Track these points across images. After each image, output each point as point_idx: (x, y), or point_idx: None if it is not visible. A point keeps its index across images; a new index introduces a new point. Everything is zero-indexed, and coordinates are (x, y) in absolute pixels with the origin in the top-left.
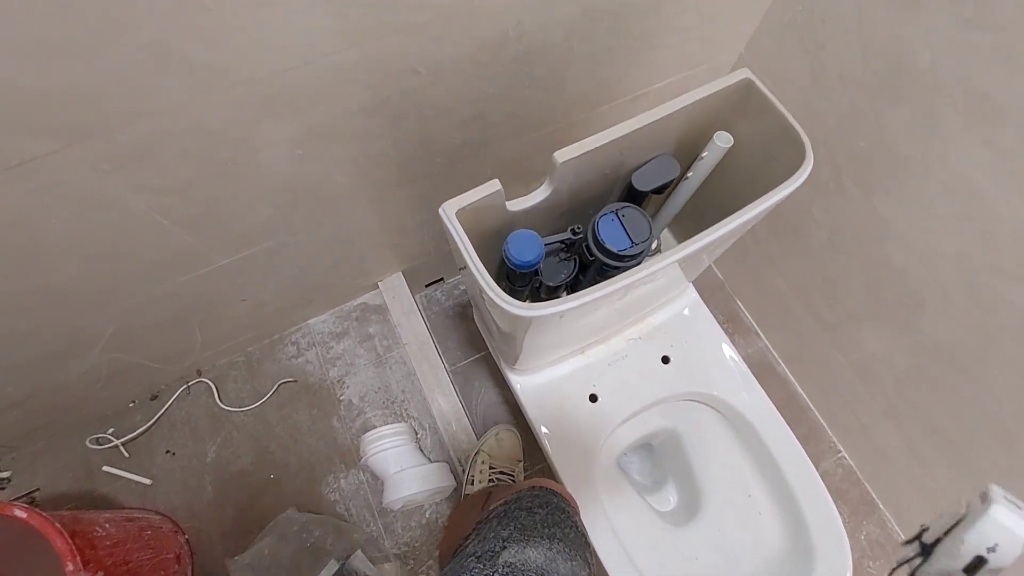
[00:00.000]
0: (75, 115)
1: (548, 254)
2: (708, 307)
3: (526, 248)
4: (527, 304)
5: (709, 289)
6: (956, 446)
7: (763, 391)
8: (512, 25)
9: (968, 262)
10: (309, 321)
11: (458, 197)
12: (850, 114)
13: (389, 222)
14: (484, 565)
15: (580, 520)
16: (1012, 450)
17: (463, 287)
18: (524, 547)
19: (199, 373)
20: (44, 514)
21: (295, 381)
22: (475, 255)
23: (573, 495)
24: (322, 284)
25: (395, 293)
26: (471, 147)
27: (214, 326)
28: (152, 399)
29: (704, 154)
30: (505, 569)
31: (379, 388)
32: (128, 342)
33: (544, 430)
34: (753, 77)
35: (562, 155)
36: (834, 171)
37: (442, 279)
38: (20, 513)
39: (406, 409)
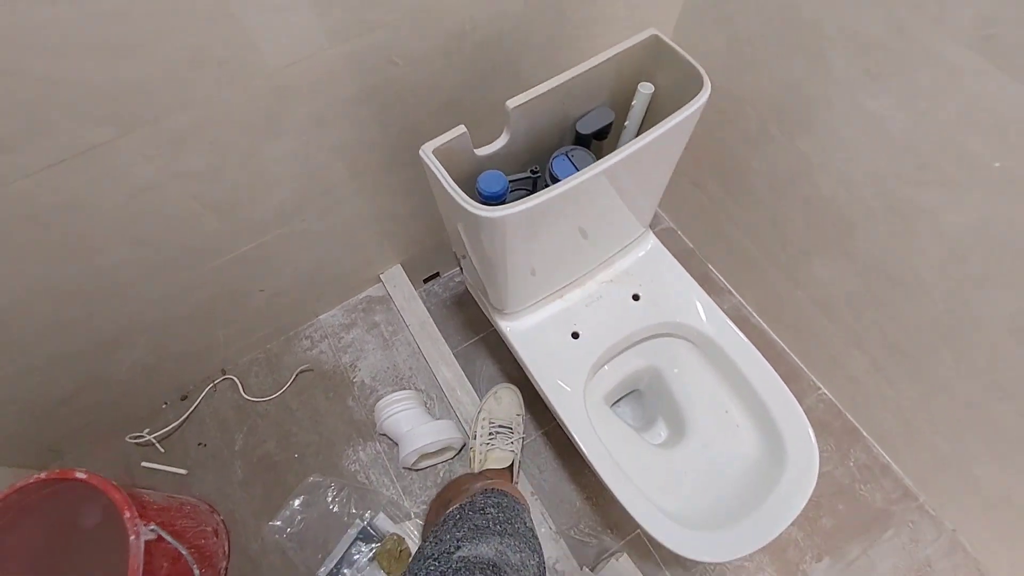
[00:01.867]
0: (131, 106)
1: (513, 190)
2: (678, 261)
3: (493, 182)
4: (498, 207)
5: (682, 256)
6: (913, 358)
7: (722, 313)
8: (467, 19)
9: (878, 178)
10: (320, 316)
11: (433, 140)
12: (764, 71)
13: (384, 209)
14: (440, 563)
15: (529, 517)
16: (959, 353)
17: (458, 279)
18: (477, 544)
19: (223, 372)
20: (101, 476)
21: (311, 369)
22: (452, 182)
23: (569, 427)
24: (330, 276)
25: (396, 282)
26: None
27: (237, 319)
28: (182, 399)
29: (633, 102)
30: (459, 563)
31: (388, 368)
32: (165, 333)
33: (534, 368)
34: (659, 32)
35: (513, 101)
36: (761, 123)
37: (438, 274)
38: (80, 475)
39: (414, 383)
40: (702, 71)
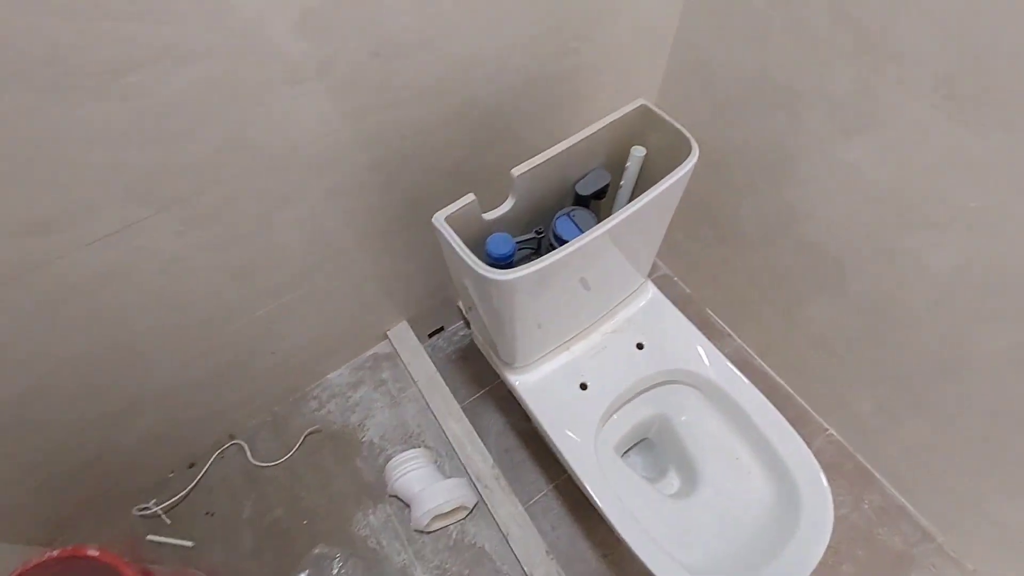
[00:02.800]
0: (169, 187)
1: (519, 250)
2: (679, 309)
3: (501, 244)
4: (509, 270)
5: (680, 302)
6: (916, 394)
7: (725, 358)
8: (469, 96)
9: (861, 223)
10: (328, 376)
11: (444, 208)
12: (746, 129)
13: (391, 269)
14: None
15: None
16: (962, 387)
17: (462, 333)
18: None
19: (231, 437)
20: (112, 552)
21: (319, 431)
22: (464, 247)
23: (583, 479)
24: (338, 336)
25: (402, 338)
26: (451, 195)
27: (246, 383)
28: (190, 467)
29: (628, 164)
30: None
31: (396, 426)
32: (176, 400)
33: (545, 421)
34: (647, 102)
35: (518, 170)
36: (747, 176)
37: (442, 328)
38: (93, 552)
39: (423, 440)
40: (690, 136)
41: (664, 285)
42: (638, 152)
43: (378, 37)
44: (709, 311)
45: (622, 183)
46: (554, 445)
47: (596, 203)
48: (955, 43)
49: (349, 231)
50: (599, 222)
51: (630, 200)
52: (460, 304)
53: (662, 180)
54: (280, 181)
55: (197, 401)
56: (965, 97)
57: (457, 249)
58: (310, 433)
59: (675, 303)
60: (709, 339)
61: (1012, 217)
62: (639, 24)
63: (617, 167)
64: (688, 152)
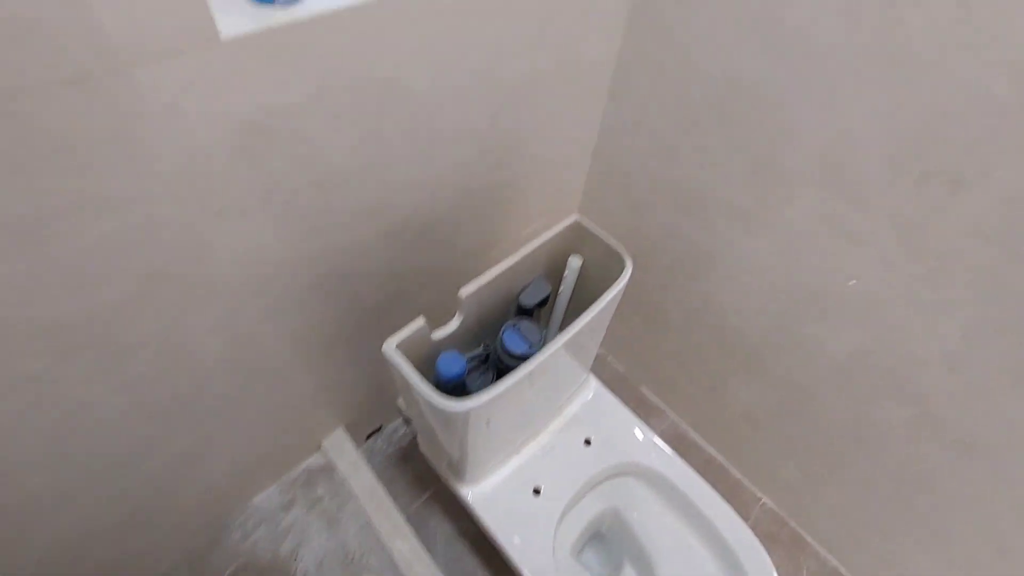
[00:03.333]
0: (82, 333)
1: (470, 369)
2: (618, 397)
3: (452, 364)
4: (467, 400)
5: (615, 382)
6: (834, 463)
7: (668, 447)
8: (409, 213)
9: (769, 312)
10: (254, 499)
11: (394, 335)
12: (662, 229)
13: (330, 380)
14: None
15: None
16: (872, 456)
17: (402, 431)
18: None
19: None
20: None
21: (246, 566)
22: (417, 374)
23: None
24: (267, 453)
25: (339, 448)
26: (392, 302)
27: (157, 527)
28: None
29: (565, 273)
30: None
31: (335, 549)
32: (81, 550)
33: (501, 534)
34: (580, 219)
35: (465, 291)
36: (668, 270)
37: (380, 427)
38: None
39: (367, 562)
40: (622, 252)
41: (600, 366)
42: (575, 262)
43: (320, 168)
44: (643, 389)
45: (561, 290)
46: (511, 558)
47: (538, 310)
48: (832, 170)
49: (286, 349)
50: (541, 330)
51: (568, 305)
52: (400, 403)
53: (605, 293)
54: (210, 310)
55: (105, 549)
56: (840, 215)
57: (411, 381)
58: (234, 572)
59: (611, 382)
60: (645, 417)
61: (889, 314)
62: (562, 139)
63: (555, 275)
64: (622, 263)
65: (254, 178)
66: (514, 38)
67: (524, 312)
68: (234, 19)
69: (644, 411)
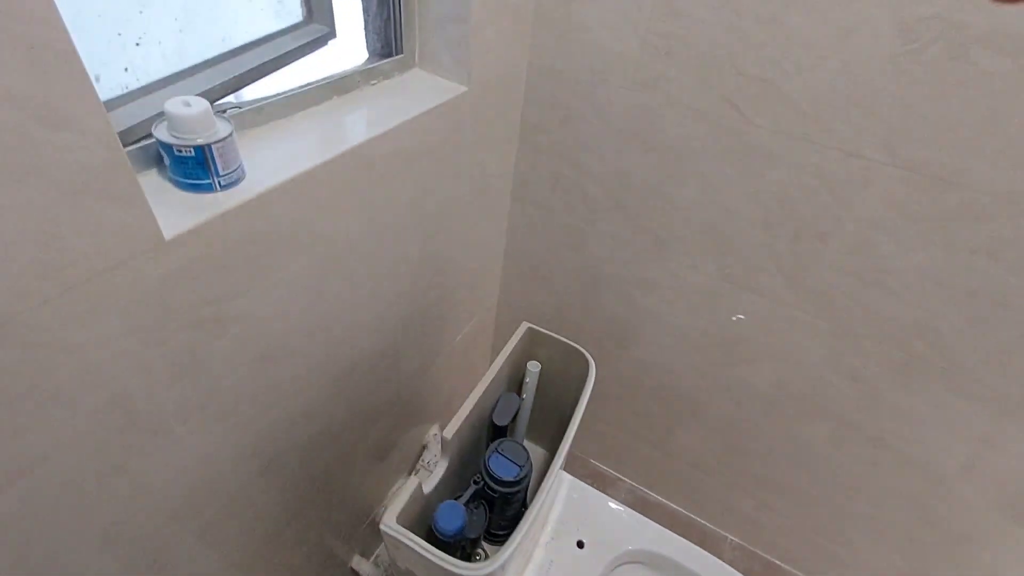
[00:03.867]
0: None
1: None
2: (589, 483)
3: (453, 518)
4: (489, 560)
5: (568, 462)
6: (782, 487)
7: (651, 522)
8: (354, 356)
9: (698, 367)
10: None
11: (390, 509)
12: (585, 309)
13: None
14: None
15: None
16: (812, 472)
17: None
18: None
19: None
20: None
21: None
22: (432, 548)
23: None
24: None
25: None
26: (359, 455)
27: None
28: None
29: (526, 380)
30: None
31: None
32: None
33: None
34: (532, 324)
35: (449, 430)
36: (597, 344)
37: None
38: None
39: None
40: (582, 350)
41: None
42: (534, 368)
43: (263, 343)
44: (595, 462)
45: (523, 397)
46: None
47: (510, 424)
48: (722, 238)
49: (235, 551)
50: (523, 446)
51: (532, 410)
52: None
53: (580, 400)
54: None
55: None
56: (736, 272)
57: (428, 556)
58: None
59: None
60: (603, 488)
61: (790, 344)
62: (479, 247)
63: (516, 383)
64: (580, 357)
65: (193, 384)
66: (435, 173)
67: (498, 431)
68: (174, 215)
69: (601, 483)
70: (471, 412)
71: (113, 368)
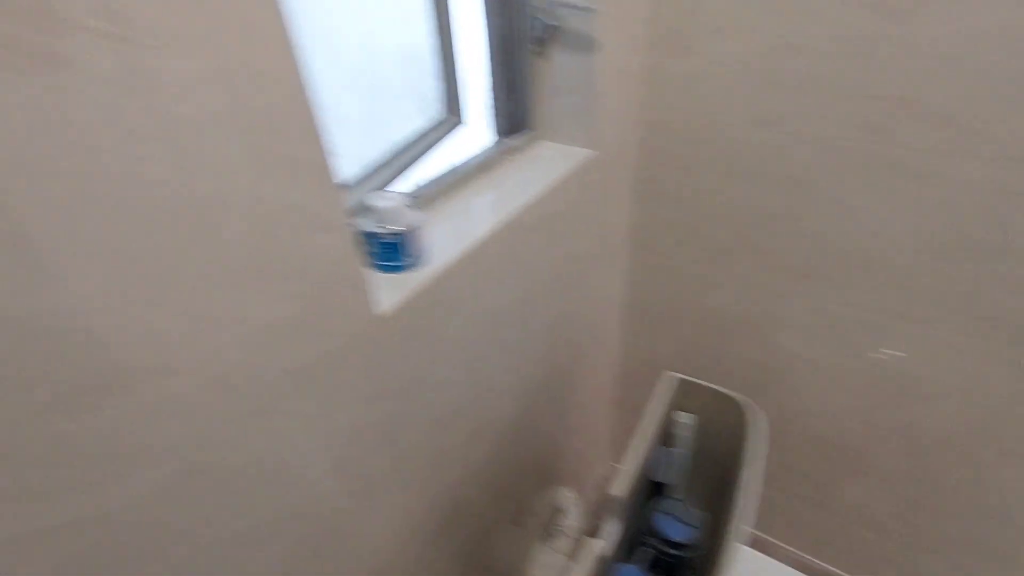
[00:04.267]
0: None
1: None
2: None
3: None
4: None
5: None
6: (975, 544)
7: None
8: (506, 419)
9: (854, 407)
10: None
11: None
12: (715, 358)
13: None
14: None
15: None
16: (1015, 526)
17: None
18: None
19: None
20: None
21: None
22: None
23: None
24: None
25: None
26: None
27: None
28: None
29: (679, 432)
30: None
31: None
32: None
33: None
34: (679, 375)
35: (619, 487)
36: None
37: None
38: None
39: None
40: (737, 396)
41: None
42: (687, 420)
43: (439, 408)
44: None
45: (678, 451)
46: None
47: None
48: (871, 264)
49: None
50: (683, 504)
51: (691, 461)
52: None
53: (745, 458)
54: None
55: None
56: (891, 306)
57: None
58: None
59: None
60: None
61: (981, 385)
62: (601, 303)
63: (664, 436)
64: (733, 409)
65: (391, 449)
66: (570, 233)
67: (657, 488)
68: (381, 294)
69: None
70: (637, 468)
71: (333, 436)
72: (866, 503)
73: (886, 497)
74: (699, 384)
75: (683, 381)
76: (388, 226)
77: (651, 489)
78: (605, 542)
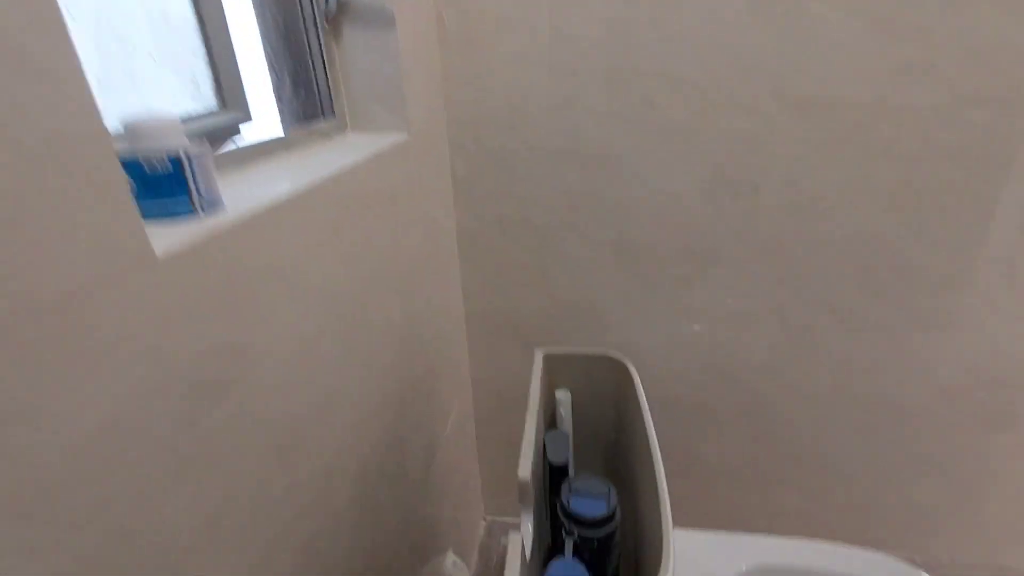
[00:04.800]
0: None
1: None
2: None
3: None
4: None
5: None
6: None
7: (754, 536)
8: (368, 448)
9: (693, 367)
10: None
11: None
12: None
13: None
14: None
15: None
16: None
17: None
18: None
19: None
20: None
21: None
22: None
23: None
24: None
25: None
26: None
27: None
28: None
29: (559, 411)
30: None
31: None
32: None
33: None
34: (547, 349)
35: (523, 470)
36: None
37: None
38: None
39: None
40: (613, 354)
41: None
42: (564, 397)
43: (273, 422)
44: None
45: (562, 428)
46: None
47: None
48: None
49: None
50: (590, 477)
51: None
52: None
53: (638, 399)
54: None
55: None
56: (699, 250)
57: None
58: None
59: None
60: None
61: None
62: (444, 315)
63: (549, 416)
64: (609, 370)
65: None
66: (393, 220)
67: (557, 471)
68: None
69: None
70: (534, 448)
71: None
72: (720, 457)
73: (736, 449)
74: (570, 354)
75: (552, 356)
76: (157, 145)
77: (550, 476)
78: (526, 536)
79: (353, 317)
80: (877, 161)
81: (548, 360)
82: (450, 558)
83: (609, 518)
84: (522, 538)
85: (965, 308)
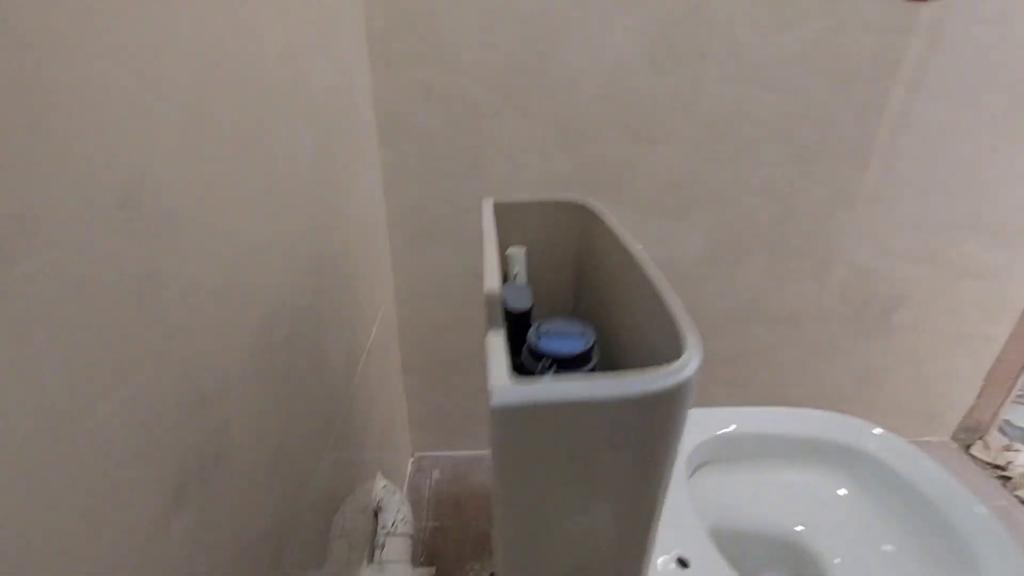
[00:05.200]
0: None
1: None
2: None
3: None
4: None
5: None
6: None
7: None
8: (269, 319)
9: None
10: None
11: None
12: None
13: None
14: None
15: None
16: None
17: None
18: None
19: None
20: None
21: None
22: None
23: None
24: None
25: None
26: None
27: None
28: None
29: (514, 270)
30: None
31: None
32: None
33: None
34: (495, 199)
35: (489, 283)
36: None
37: None
38: None
39: None
40: (575, 198)
41: None
42: (517, 253)
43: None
44: None
45: (518, 282)
46: None
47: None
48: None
49: None
50: (560, 319)
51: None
52: None
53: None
54: None
55: None
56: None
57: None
58: None
59: None
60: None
61: None
62: (364, 207)
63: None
64: (577, 210)
65: None
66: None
67: (518, 319)
68: None
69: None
70: (496, 267)
71: None
72: None
73: None
74: (522, 203)
75: (502, 205)
76: None
77: (512, 318)
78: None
79: (244, 140)
80: None
81: (499, 210)
82: (380, 481)
83: (586, 355)
84: (493, 347)
85: None
